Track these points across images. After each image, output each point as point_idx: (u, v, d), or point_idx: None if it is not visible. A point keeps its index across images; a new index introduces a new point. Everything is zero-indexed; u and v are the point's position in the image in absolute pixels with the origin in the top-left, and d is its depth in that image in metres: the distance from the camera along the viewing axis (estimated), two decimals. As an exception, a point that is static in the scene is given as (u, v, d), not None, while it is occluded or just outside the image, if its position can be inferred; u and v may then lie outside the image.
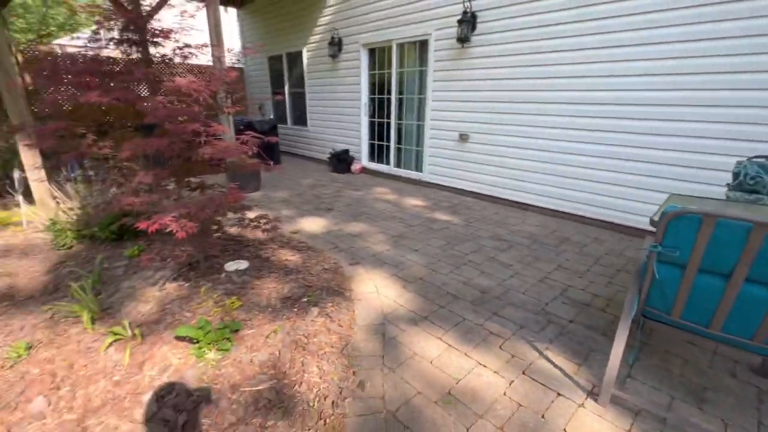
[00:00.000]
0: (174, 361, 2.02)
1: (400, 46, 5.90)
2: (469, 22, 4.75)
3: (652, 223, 1.70)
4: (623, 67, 3.78)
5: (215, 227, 2.87)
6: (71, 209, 3.69)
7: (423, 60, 5.61)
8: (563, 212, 4.55)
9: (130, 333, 2.19)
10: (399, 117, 6.28)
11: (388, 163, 6.67)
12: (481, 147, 5.14)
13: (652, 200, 3.80)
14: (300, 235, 3.88)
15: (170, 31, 2.33)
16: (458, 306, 2.62)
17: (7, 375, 1.99)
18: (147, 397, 1.79)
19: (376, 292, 2.78)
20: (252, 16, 9.13)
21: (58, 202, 4.05)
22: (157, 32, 2.29)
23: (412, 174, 6.25)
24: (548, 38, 4.22)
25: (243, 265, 3.05)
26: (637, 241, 3.87)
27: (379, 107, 6.58)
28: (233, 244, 3.49)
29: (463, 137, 5.28)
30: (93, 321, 2.35)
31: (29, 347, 2.16)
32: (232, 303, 2.50)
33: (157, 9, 2.53)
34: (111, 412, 1.73)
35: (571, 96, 4.19)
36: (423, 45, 5.56)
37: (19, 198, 4.27)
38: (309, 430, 1.63)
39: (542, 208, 4.72)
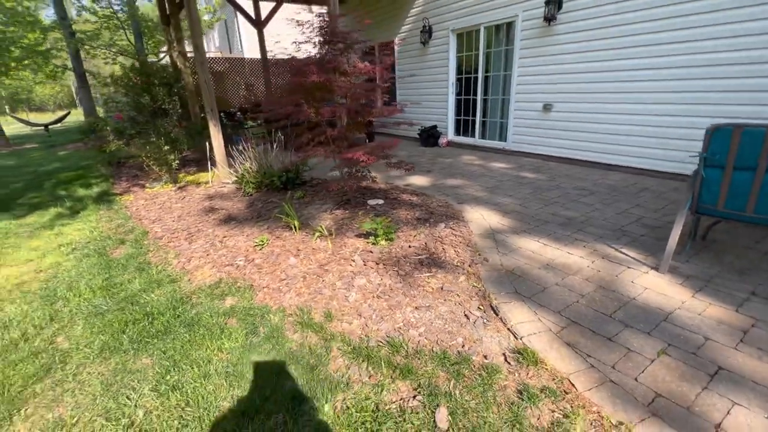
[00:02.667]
0: (360, 246, 3.19)
1: (488, 28, 6.62)
2: (555, 2, 5.34)
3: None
4: (699, 32, 4.18)
5: (362, 173, 4.00)
6: (251, 168, 5.17)
7: (509, 40, 6.28)
8: (645, 169, 5.01)
9: (326, 232, 3.42)
10: (485, 93, 7.03)
11: (473, 135, 7.48)
12: (565, 115, 5.72)
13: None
14: (412, 187, 4.94)
15: (347, 32, 3.48)
16: (548, 226, 3.45)
17: (264, 250, 3.33)
18: (356, 255, 2.96)
19: (483, 218, 3.72)
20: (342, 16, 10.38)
21: (232, 165, 5.61)
22: (339, 35, 3.45)
23: (496, 144, 6.99)
24: (629, 11, 4.69)
25: (380, 201, 4.19)
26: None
27: (465, 85, 7.38)
28: (367, 191, 4.66)
29: (547, 107, 5.89)
30: (297, 228, 3.64)
31: (265, 241, 3.50)
32: (383, 220, 3.62)
33: (334, 20, 3.65)
34: (334, 263, 2.94)
35: (651, 62, 4.63)
36: (509, 26, 6.23)
37: (209, 164, 5.95)
38: (458, 274, 2.65)
39: (624, 167, 5.21)
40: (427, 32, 7.67)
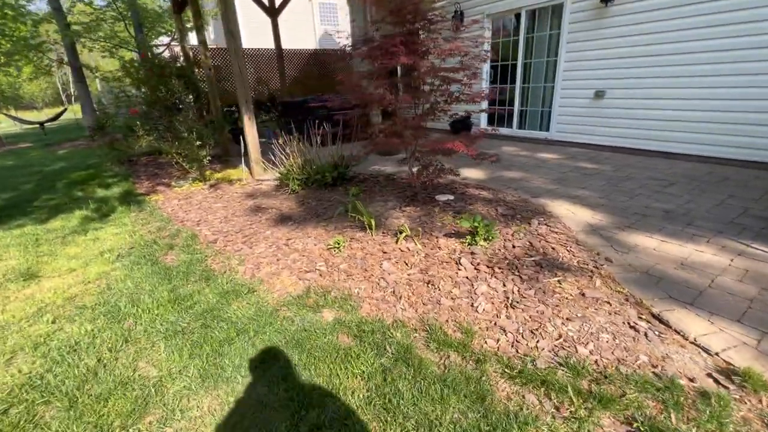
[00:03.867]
0: (456, 247, 2.88)
1: (530, 12, 6.29)
2: (612, -19, 5.03)
3: None
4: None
5: (440, 167, 3.66)
6: (295, 163, 4.79)
7: (555, 23, 5.97)
8: (713, 157, 4.76)
9: (410, 233, 3.09)
10: (524, 81, 6.72)
11: (510, 125, 7.17)
12: (619, 101, 5.44)
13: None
14: (470, 181, 4.63)
15: (427, 11, 3.13)
16: (650, 221, 3.18)
17: (344, 254, 3.00)
18: (462, 258, 2.65)
19: (572, 213, 3.43)
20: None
21: (265, 162, 5.24)
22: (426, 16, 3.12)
23: (537, 134, 6.70)
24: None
25: (450, 197, 3.88)
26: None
27: (501, 73, 7.06)
28: (429, 186, 4.34)
29: (599, 94, 5.61)
30: (374, 228, 3.31)
31: (341, 243, 3.16)
32: (466, 216, 3.30)
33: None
34: (436, 267, 2.62)
35: (718, 44, 4.37)
36: (556, 9, 5.91)
37: (242, 160, 5.56)
38: (589, 277, 2.36)
39: (689, 155, 4.96)
40: (458, 17, 7.31)
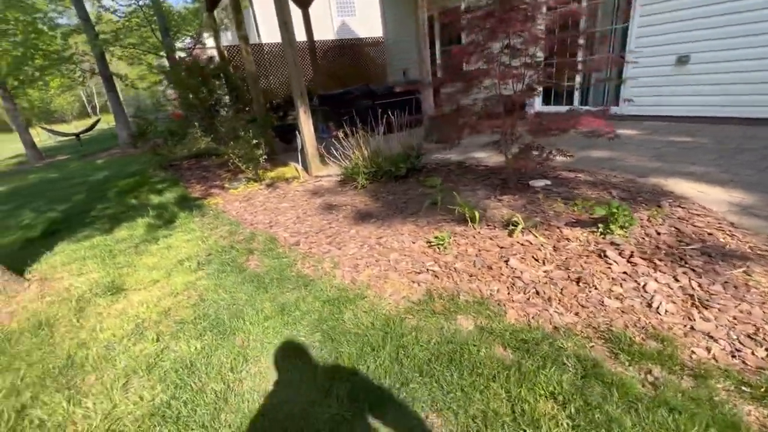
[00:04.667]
0: (587, 237, 2.52)
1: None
2: (700, -71, 4.48)
3: None
4: None
5: (544, 149, 3.29)
6: (361, 156, 4.50)
7: (624, -15, 5.43)
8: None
9: (524, 224, 2.75)
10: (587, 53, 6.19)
11: (570, 102, 6.67)
12: (708, 66, 4.89)
13: None
14: (556, 164, 4.23)
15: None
16: (804, 196, 2.74)
17: (453, 251, 2.70)
18: (608, 250, 2.30)
19: (700, 192, 3.00)
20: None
21: (327, 156, 4.98)
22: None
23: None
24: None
25: (547, 182, 3.51)
26: None
27: (560, 47, 6.53)
28: (517, 171, 3.97)
29: (682, 60, 5.07)
30: (477, 221, 2.99)
31: (445, 239, 2.85)
32: (584, 202, 2.94)
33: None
34: (574, 261, 2.28)
35: None
36: (626, -31, 5.36)
37: (298, 156, 5.32)
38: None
39: (796, 120, 4.40)
40: None
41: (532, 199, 3.18)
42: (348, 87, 7.73)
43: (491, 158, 4.49)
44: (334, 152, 4.71)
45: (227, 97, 7.50)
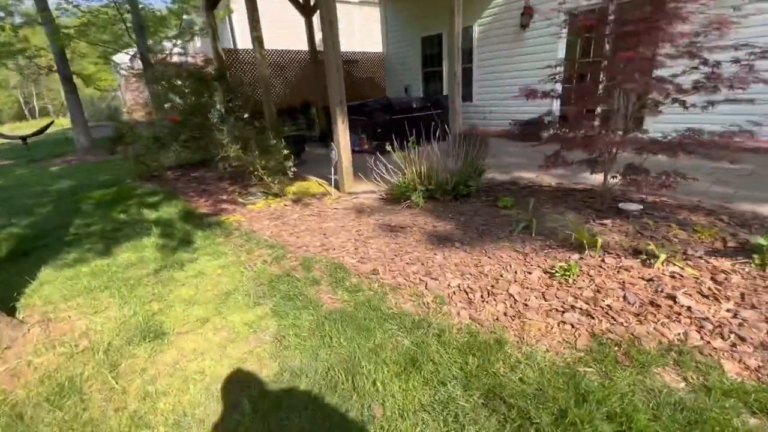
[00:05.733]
0: (749, 271, 2.25)
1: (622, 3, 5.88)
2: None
3: None
4: None
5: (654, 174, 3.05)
6: (418, 173, 4.06)
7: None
8: None
9: (663, 254, 2.45)
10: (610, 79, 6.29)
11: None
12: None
13: None
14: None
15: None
16: None
17: (579, 283, 2.32)
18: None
19: (807, 219, 2.90)
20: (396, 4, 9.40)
21: (357, 173, 4.49)
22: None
23: (624, 135, 6.26)
24: None
25: (639, 206, 3.27)
26: None
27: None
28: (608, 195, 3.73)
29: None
30: (597, 248, 2.64)
31: (571, 269, 2.47)
32: (710, 230, 2.70)
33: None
34: (757, 295, 1.99)
35: None
36: None
37: (332, 170, 4.76)
38: None
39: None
40: (528, 14, 6.86)
41: (642, 224, 2.92)
42: (365, 100, 7.34)
43: (541, 178, 4.26)
44: (370, 167, 4.22)
45: (227, 104, 6.79)
